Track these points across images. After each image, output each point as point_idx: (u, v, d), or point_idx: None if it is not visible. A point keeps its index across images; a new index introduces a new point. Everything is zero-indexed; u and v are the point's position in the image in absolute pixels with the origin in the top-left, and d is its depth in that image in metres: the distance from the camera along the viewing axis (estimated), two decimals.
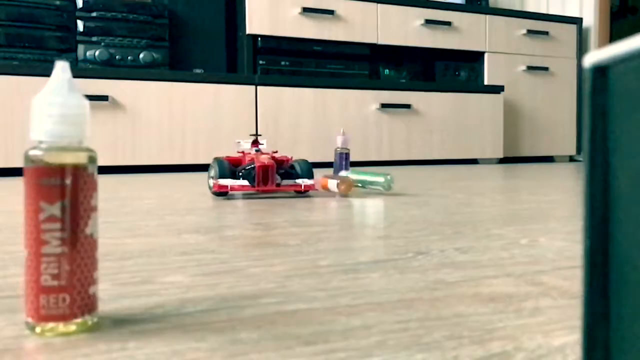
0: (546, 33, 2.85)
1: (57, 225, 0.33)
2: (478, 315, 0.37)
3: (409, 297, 0.42)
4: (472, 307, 0.39)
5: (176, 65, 2.28)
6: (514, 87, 2.80)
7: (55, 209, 0.33)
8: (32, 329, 0.34)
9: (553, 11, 3.11)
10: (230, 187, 1.10)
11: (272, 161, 1.12)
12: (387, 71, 2.65)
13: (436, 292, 0.43)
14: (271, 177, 1.12)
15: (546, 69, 2.85)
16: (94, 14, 2.10)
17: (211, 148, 2.13)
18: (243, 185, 1.10)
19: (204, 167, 2.20)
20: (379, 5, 2.50)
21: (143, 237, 0.68)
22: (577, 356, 0.30)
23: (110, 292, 0.43)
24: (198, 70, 2.27)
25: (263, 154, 1.20)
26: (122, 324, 0.36)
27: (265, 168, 1.12)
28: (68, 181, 0.34)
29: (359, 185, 1.29)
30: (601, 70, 0.18)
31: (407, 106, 2.45)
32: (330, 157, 2.27)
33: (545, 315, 0.38)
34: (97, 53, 2.09)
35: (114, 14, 2.12)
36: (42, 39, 2.05)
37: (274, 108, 2.24)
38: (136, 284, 0.46)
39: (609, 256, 0.18)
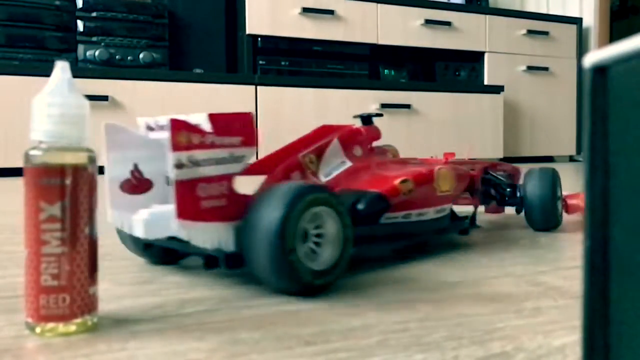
0: (546, 33, 2.85)
1: (57, 225, 0.33)
2: (478, 315, 0.37)
3: (409, 297, 0.42)
4: (472, 308, 0.39)
5: (176, 65, 2.28)
6: (514, 87, 2.80)
7: (55, 209, 0.33)
8: (32, 329, 0.34)
9: (553, 11, 3.11)
10: None
11: None
12: (387, 71, 2.65)
13: (436, 293, 0.43)
14: None
15: (546, 69, 2.85)
16: (94, 14, 2.10)
17: None
18: None
19: None
20: (379, 5, 2.50)
21: None
22: (577, 356, 0.30)
23: (110, 292, 0.43)
24: (198, 70, 2.27)
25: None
26: (122, 324, 0.36)
27: None
28: (68, 181, 0.34)
29: None
30: (601, 70, 0.18)
31: (407, 106, 2.45)
32: None
33: (545, 315, 0.37)
34: (97, 53, 2.09)
35: (114, 14, 2.12)
36: (42, 39, 2.05)
37: (274, 108, 2.24)
38: (136, 284, 0.45)
39: (609, 256, 0.18)
